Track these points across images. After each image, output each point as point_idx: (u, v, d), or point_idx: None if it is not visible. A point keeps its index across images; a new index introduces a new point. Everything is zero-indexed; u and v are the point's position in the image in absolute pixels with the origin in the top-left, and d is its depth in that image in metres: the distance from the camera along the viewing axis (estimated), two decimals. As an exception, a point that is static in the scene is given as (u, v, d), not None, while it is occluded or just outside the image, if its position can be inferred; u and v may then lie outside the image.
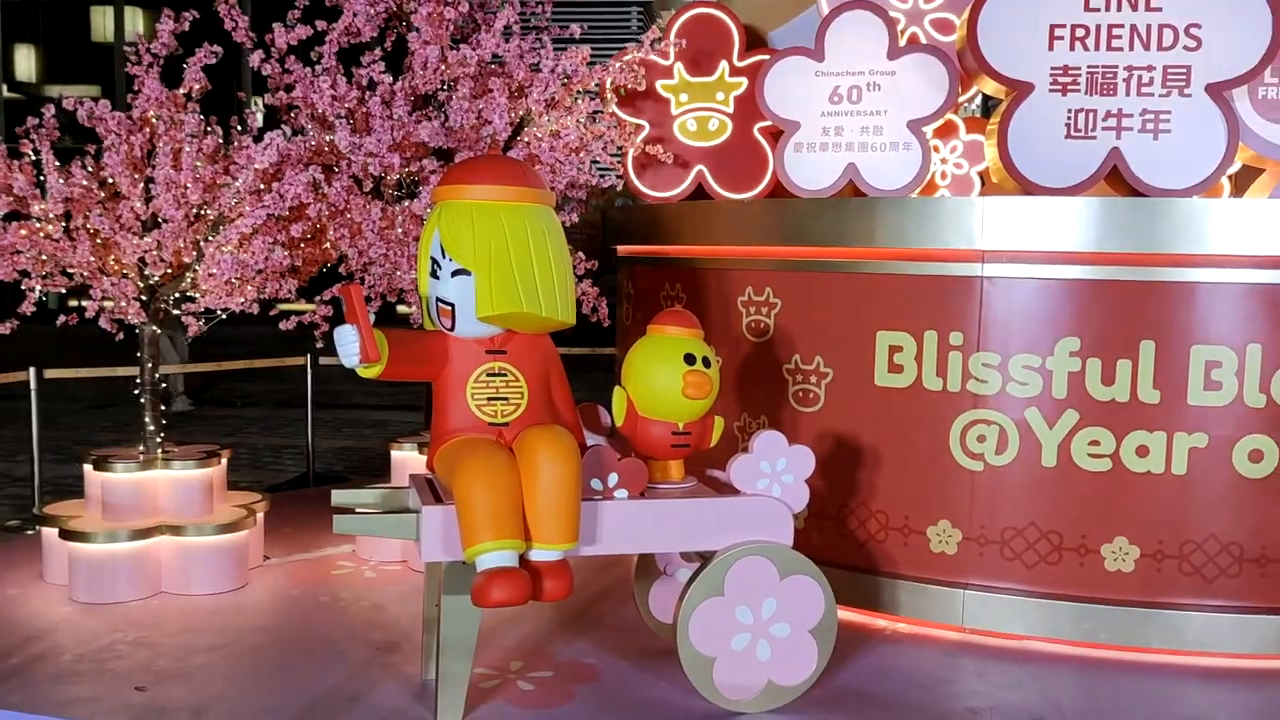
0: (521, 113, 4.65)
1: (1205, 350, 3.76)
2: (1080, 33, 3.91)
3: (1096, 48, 3.92)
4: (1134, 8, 3.89)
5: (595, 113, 4.82)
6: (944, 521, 4.03)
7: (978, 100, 5.43)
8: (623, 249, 5.23)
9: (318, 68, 4.54)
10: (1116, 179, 3.98)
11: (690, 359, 3.35)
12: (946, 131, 4.64)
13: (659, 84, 4.81)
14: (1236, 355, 3.75)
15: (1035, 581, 3.94)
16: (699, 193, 4.84)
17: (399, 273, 4.59)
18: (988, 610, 3.99)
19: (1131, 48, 3.90)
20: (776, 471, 3.39)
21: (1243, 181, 4.39)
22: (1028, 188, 3.96)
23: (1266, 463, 3.76)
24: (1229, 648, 3.82)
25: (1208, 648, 3.83)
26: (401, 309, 5.05)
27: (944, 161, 4.74)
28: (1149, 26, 3.89)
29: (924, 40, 4.65)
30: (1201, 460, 3.79)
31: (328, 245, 4.65)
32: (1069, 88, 3.94)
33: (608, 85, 4.76)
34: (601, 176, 4.76)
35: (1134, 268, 3.80)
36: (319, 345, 4.68)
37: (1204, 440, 3.78)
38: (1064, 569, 3.91)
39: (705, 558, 3.33)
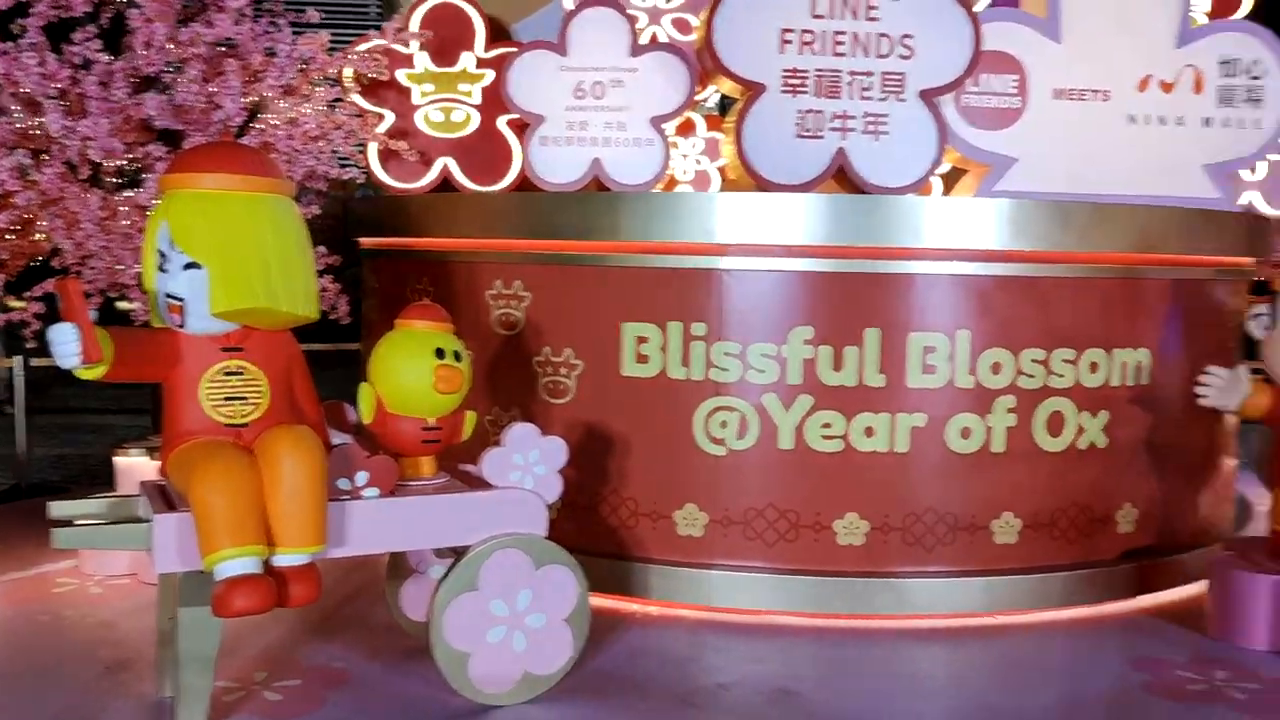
0: (255, 98, 4.44)
1: (921, 337, 4.07)
2: (808, 38, 4.14)
3: (823, 53, 4.15)
4: (855, 16, 4.15)
5: (335, 101, 4.67)
6: (690, 505, 4.18)
7: (715, 98, 5.64)
8: (366, 242, 5.10)
9: (22, 41, 4.16)
10: (843, 177, 4.23)
11: (440, 353, 3.31)
12: (687, 129, 4.80)
13: (401, 73, 4.71)
14: (948, 340, 4.08)
15: (775, 559, 4.15)
16: (445, 184, 4.78)
17: (121, 267, 4.29)
18: (733, 589, 4.16)
19: (854, 54, 4.16)
20: (529, 463, 3.41)
21: (951, 181, 4.77)
22: (762, 184, 4.16)
23: (974, 439, 4.11)
24: (945, 608, 4.16)
25: (928, 610, 4.15)
26: (123, 305, 4.72)
27: (685, 158, 4.90)
28: (868, 35, 4.16)
29: (664, 39, 4.78)
30: (921, 438, 4.10)
31: (39, 237, 4.28)
32: (799, 90, 4.16)
33: (346, 74, 4.62)
34: (342, 167, 4.61)
35: (859, 260, 4.06)
36: (30, 345, 4.31)
37: (923, 420, 4.09)
38: (801, 546, 4.14)
39: (459, 553, 3.30)
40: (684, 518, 4.19)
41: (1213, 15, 4.83)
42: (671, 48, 4.47)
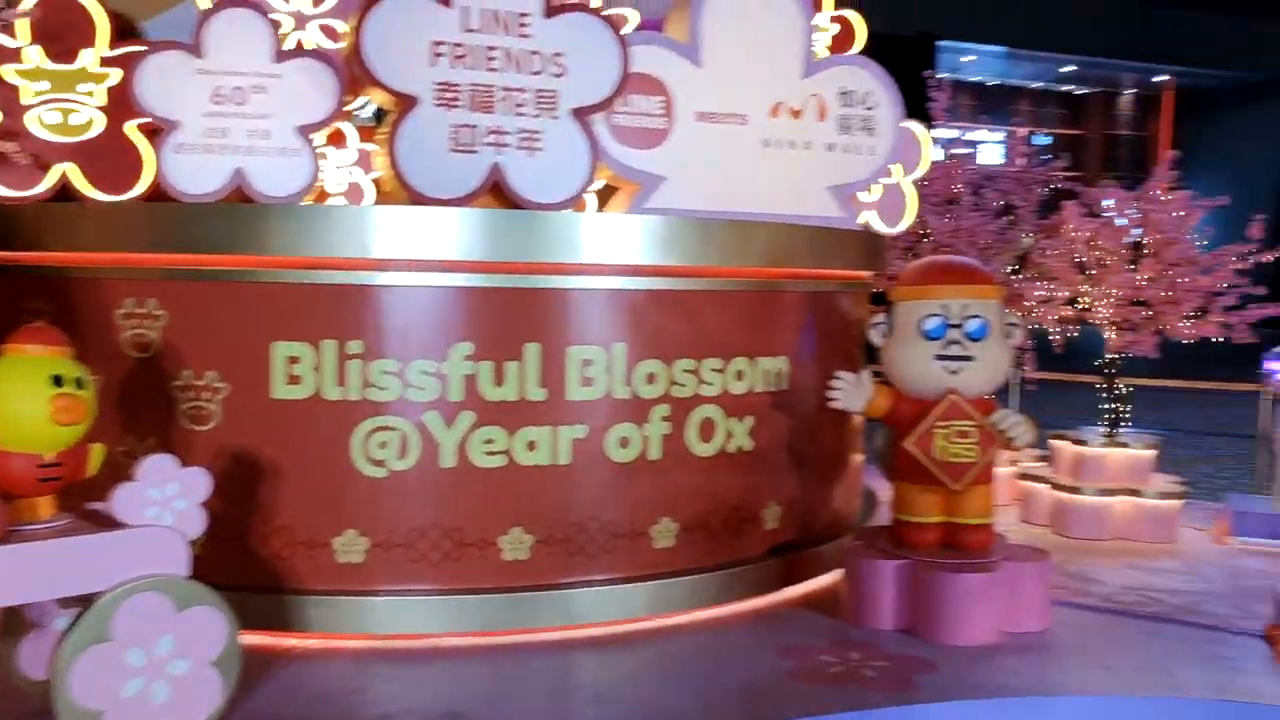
0: None
1: (580, 350, 4.14)
2: (460, 51, 4.10)
3: (476, 67, 4.14)
4: (507, 32, 4.16)
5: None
6: (350, 531, 4.02)
7: (370, 108, 5.47)
8: (-31, 256, 4.52)
9: None
10: (499, 192, 4.23)
11: (58, 380, 2.99)
12: (338, 139, 4.63)
13: (8, 69, 4.22)
14: (605, 353, 4.18)
15: (441, 580, 4.07)
16: (65, 193, 4.32)
17: None
18: (398, 614, 4.04)
19: (507, 70, 4.17)
20: (167, 498, 3.15)
21: (604, 198, 4.89)
22: (417, 198, 4.07)
23: (632, 448, 4.24)
24: (610, 616, 4.25)
25: (593, 619, 4.23)
26: None
27: (338, 169, 4.72)
28: (521, 52, 4.19)
29: (311, 45, 4.59)
30: (582, 450, 4.17)
31: None
32: (452, 103, 4.11)
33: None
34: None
35: (517, 275, 4.08)
36: None
37: (584, 431, 4.16)
38: (466, 564, 4.09)
39: (87, 601, 2.98)
40: (343, 544, 4.02)
41: (832, 49, 5.26)
42: (318, 54, 4.29)
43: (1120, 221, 5.80)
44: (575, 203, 4.33)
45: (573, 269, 4.15)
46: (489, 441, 4.06)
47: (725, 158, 4.63)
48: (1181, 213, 5.82)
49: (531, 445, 4.10)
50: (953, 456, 4.23)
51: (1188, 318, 5.76)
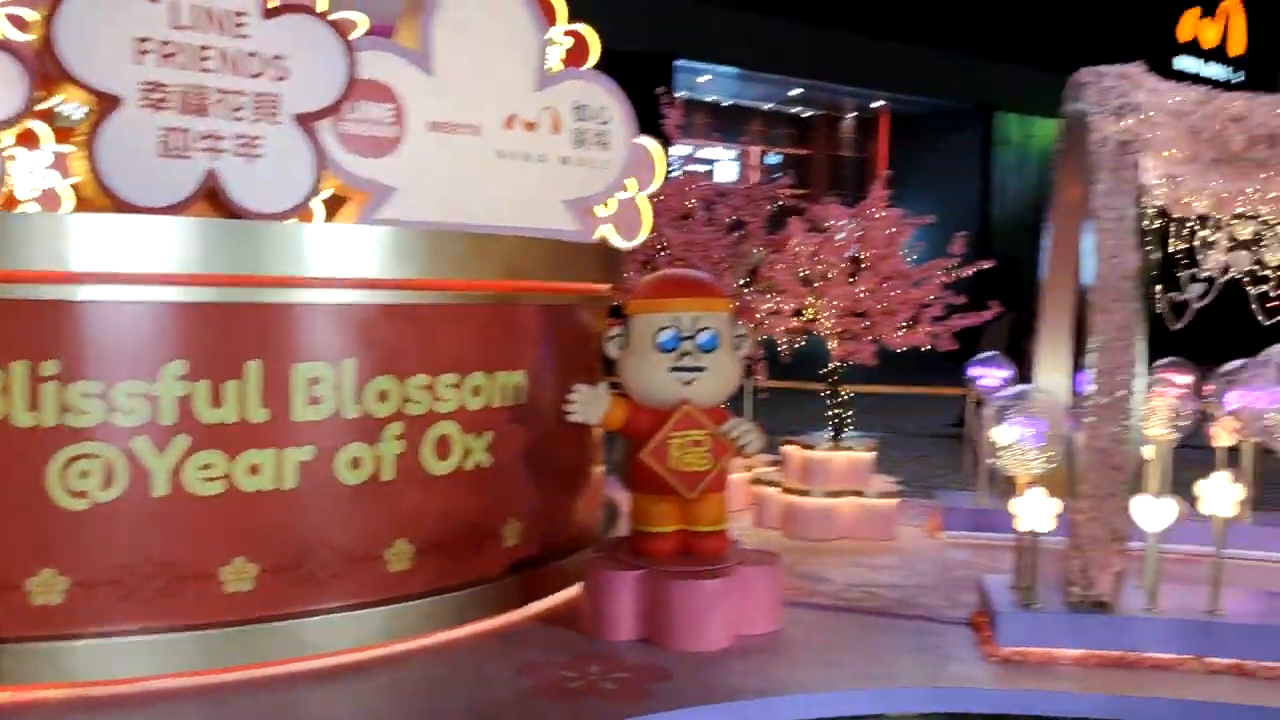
0: None
1: (306, 368, 3.95)
2: (169, 50, 3.83)
3: (187, 67, 3.87)
4: (222, 31, 3.92)
5: None
6: (47, 570, 3.65)
7: (76, 108, 5.03)
8: None
9: None
10: (217, 200, 3.97)
11: None
12: (30, 140, 4.20)
13: None
14: (334, 370, 4.00)
15: (154, 617, 3.77)
16: None
17: None
18: (104, 658, 3.70)
19: (222, 71, 3.93)
20: None
21: (333, 208, 4.70)
22: (122, 206, 3.76)
23: (364, 469, 4.08)
24: (345, 644, 4.07)
25: (328, 648, 4.03)
26: None
27: (30, 173, 4.29)
28: (238, 52, 3.95)
29: (-4, 36, 4.16)
30: (309, 472, 3.97)
31: None
32: (161, 105, 3.83)
33: None
34: None
35: (237, 289, 3.84)
36: None
37: (311, 453, 3.97)
38: (184, 599, 3.80)
39: None
40: (39, 585, 3.65)
41: (567, 63, 5.27)
42: (3, 45, 3.89)
43: (840, 237, 6.11)
44: (300, 212, 4.13)
45: (298, 282, 3.95)
46: (207, 467, 3.80)
47: (459, 168, 4.55)
48: (893, 229, 6.21)
49: (254, 469, 3.87)
50: (687, 466, 4.31)
51: (901, 328, 6.15)
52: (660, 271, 5.11)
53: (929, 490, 7.81)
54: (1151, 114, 4.41)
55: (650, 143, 5.49)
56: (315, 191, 4.11)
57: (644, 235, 5.55)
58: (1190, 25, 34.47)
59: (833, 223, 6.17)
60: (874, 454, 6.41)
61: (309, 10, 4.14)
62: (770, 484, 6.42)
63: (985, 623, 4.45)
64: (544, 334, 4.74)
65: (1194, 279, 5.48)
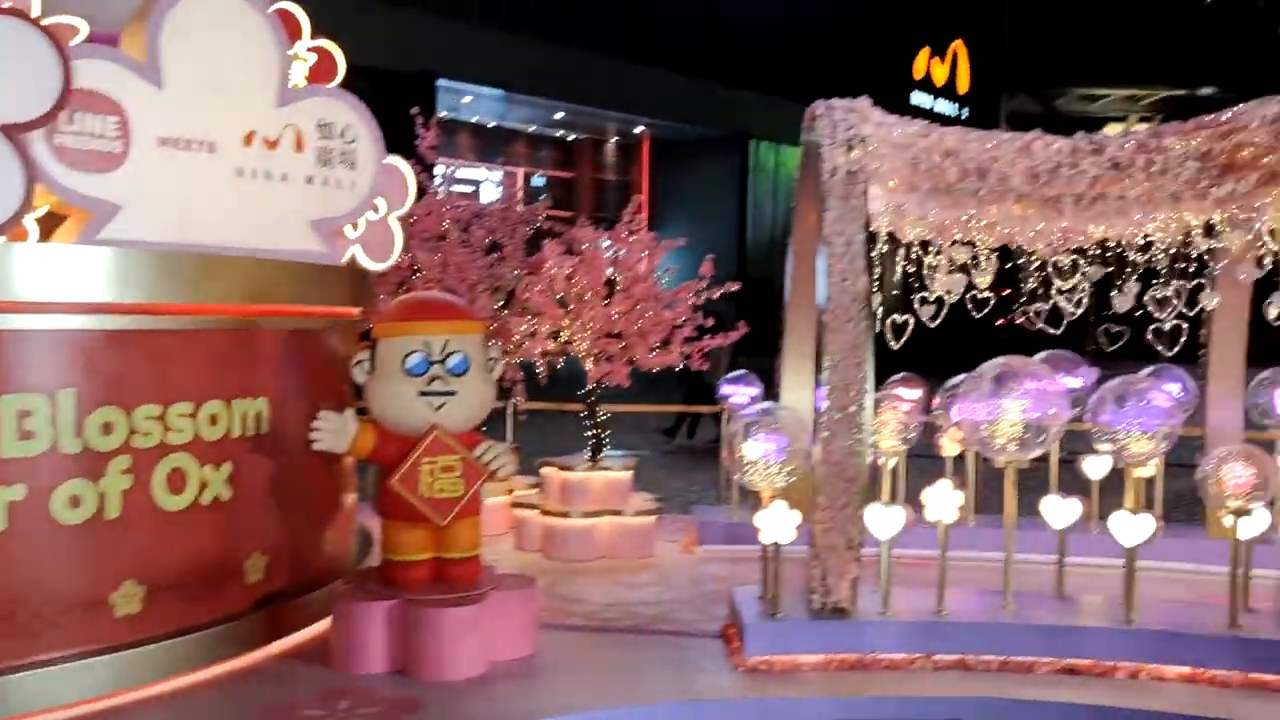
0: None
1: (16, 399, 3.64)
2: None
3: None
4: (-87, 33, 3.57)
5: None
6: None
7: None
8: None
9: None
10: (-93, 217, 3.61)
11: None
12: None
13: None
14: (49, 402, 3.71)
15: None
16: None
17: None
18: None
19: (-86, 76, 3.58)
20: None
21: (50, 227, 4.36)
22: None
23: (86, 507, 3.79)
24: (62, 699, 3.75)
25: (44, 704, 3.71)
26: None
27: None
28: (-69, 56, 3.61)
29: None
30: (21, 513, 3.66)
31: None
32: None
33: None
34: None
35: (-68, 315, 3.50)
36: None
37: (22, 492, 3.66)
38: None
39: None
40: None
41: (311, 79, 5.11)
42: None
43: (596, 260, 6.19)
44: (10, 230, 3.80)
45: (6, 307, 3.64)
46: (-103, 511, 3.44)
47: (193, 187, 4.31)
48: (646, 252, 6.35)
49: (-46, 512, 3.53)
50: (439, 492, 4.24)
51: (654, 349, 6.28)
52: (408, 294, 5.01)
53: (688, 506, 8.01)
54: (877, 146, 4.71)
55: (401, 163, 5.40)
56: (26, 208, 3.79)
57: (396, 257, 5.44)
58: (923, 63, 37.18)
59: (587, 245, 6.24)
60: (631, 473, 6.50)
61: (19, 14, 3.83)
62: (530, 507, 6.41)
63: (735, 634, 4.59)
64: (288, 359, 4.55)
65: (924, 300, 5.87)
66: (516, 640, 4.42)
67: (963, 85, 39.45)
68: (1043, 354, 6.31)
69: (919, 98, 36.67)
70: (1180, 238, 5.37)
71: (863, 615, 4.51)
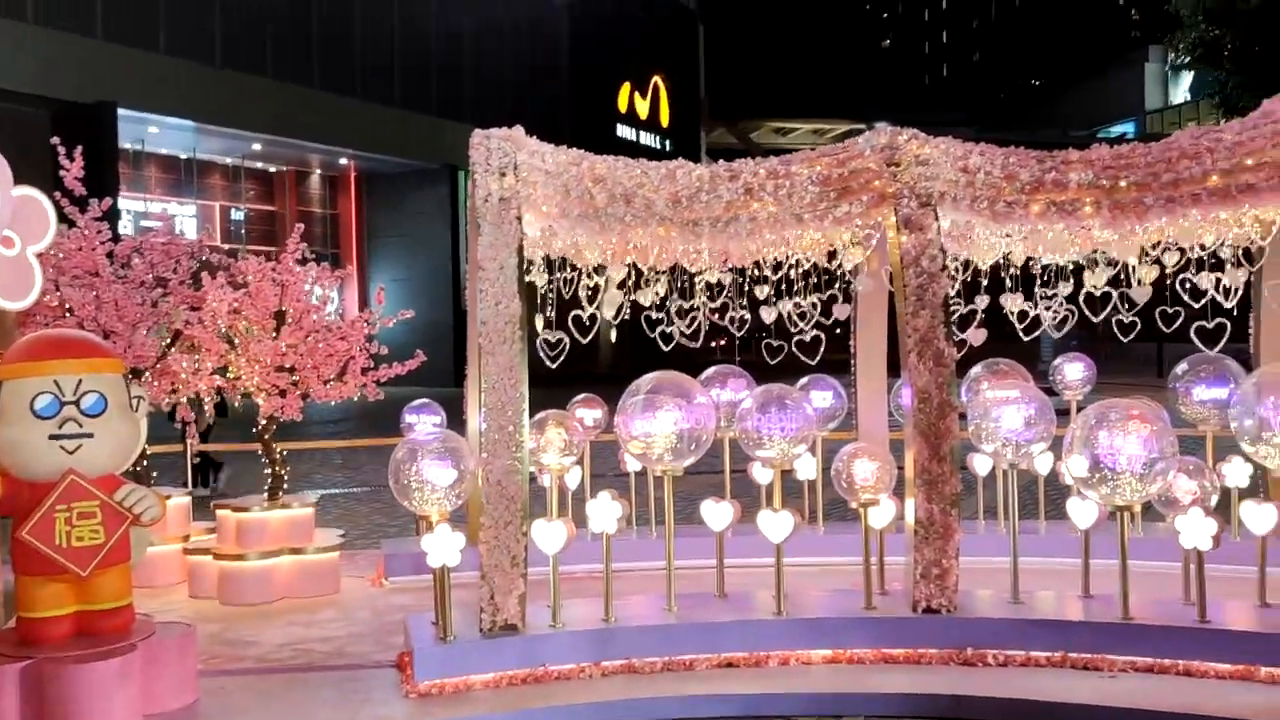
0: None
1: None
2: None
3: None
4: None
5: None
6: None
7: None
8: None
9: None
10: None
11: None
12: None
13: None
14: None
15: None
16: None
17: None
18: None
19: None
20: None
21: None
22: None
23: None
24: None
25: None
26: None
27: None
28: None
29: None
30: None
31: None
32: None
33: None
34: None
35: None
36: None
37: None
38: None
39: None
40: None
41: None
42: None
43: (261, 293, 6.01)
44: None
45: None
46: None
47: None
48: (317, 283, 6.24)
49: None
50: (77, 541, 4.00)
51: (327, 380, 6.17)
52: (35, 334, 4.69)
53: (380, 540, 7.89)
54: (529, 174, 4.87)
55: (38, 195, 5.05)
56: None
57: (35, 295, 5.08)
58: (625, 98, 38.51)
59: (250, 278, 6.06)
60: (313, 509, 6.35)
61: None
62: (203, 552, 6.13)
63: (409, 661, 4.58)
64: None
65: (593, 318, 6.08)
66: (176, 689, 4.23)
67: (665, 119, 41.16)
68: (710, 370, 6.71)
69: (624, 130, 37.95)
70: (814, 254, 5.86)
71: (533, 630, 4.62)
